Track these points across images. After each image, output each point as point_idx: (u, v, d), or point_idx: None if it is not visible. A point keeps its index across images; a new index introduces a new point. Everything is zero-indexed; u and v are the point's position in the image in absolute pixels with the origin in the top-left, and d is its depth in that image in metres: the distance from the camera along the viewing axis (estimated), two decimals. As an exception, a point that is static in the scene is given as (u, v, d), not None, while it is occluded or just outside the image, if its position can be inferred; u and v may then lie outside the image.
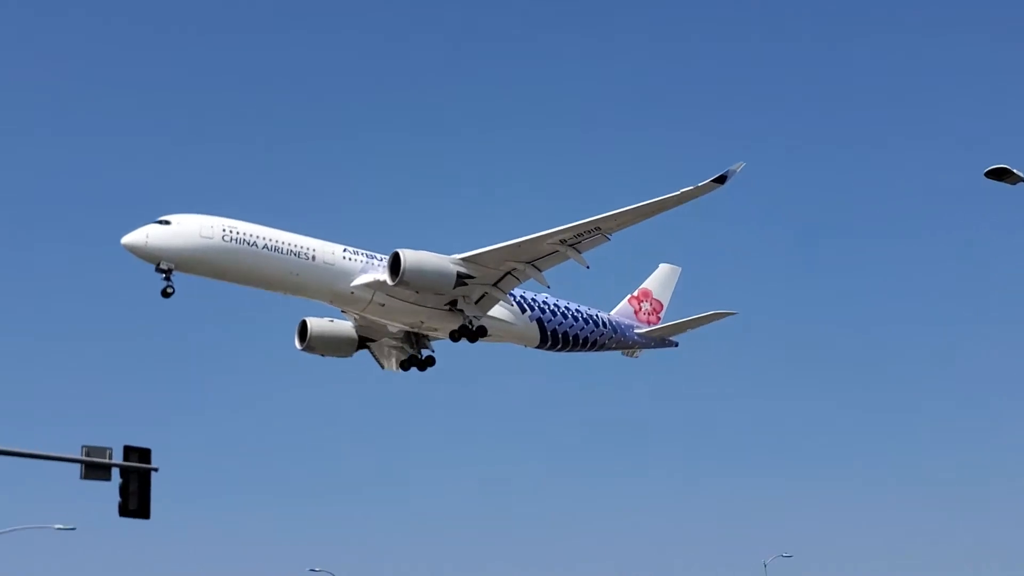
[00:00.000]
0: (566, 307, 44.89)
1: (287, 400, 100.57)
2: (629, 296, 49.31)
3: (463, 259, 39.26)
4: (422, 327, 41.83)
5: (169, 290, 36.69)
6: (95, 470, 27.12)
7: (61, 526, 50.10)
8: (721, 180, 36.76)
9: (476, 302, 40.96)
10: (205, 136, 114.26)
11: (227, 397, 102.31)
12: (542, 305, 44.19)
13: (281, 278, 38.25)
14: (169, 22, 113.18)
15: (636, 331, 47.57)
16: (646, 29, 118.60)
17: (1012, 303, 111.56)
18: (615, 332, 46.44)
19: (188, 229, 36.49)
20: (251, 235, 37.79)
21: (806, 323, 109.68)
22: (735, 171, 36.77)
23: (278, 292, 39.32)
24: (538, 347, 44.67)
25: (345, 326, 42.64)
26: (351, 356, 43.64)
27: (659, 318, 48.91)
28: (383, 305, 39.39)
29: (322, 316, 42.69)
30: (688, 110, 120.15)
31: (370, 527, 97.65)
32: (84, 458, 27.07)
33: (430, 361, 44.38)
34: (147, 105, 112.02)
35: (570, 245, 39.02)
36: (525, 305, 43.50)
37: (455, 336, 41.44)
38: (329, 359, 43.20)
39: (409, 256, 37.75)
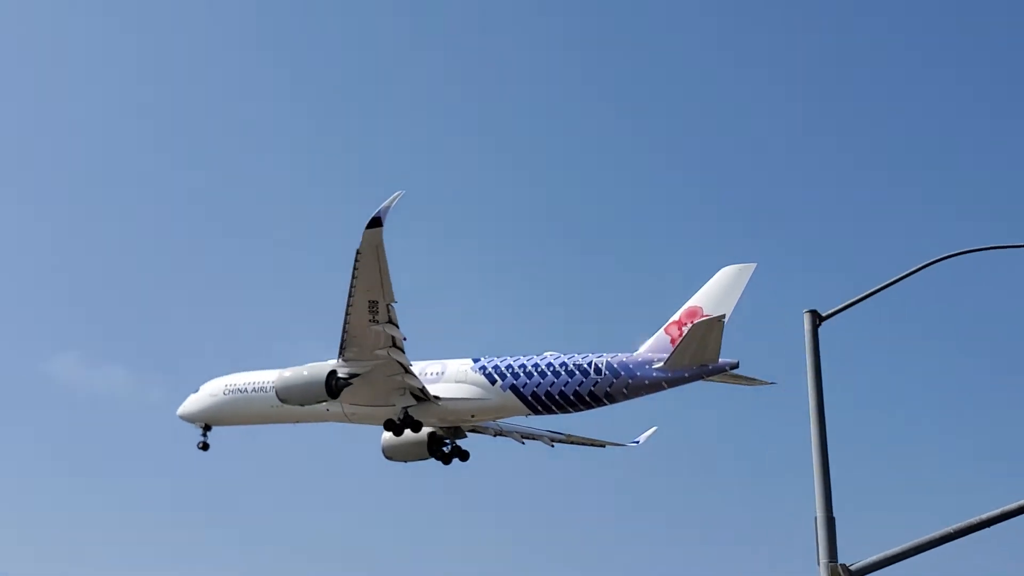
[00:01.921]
0: (546, 364, 39.56)
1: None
2: (668, 323, 39.32)
3: (342, 360, 38.19)
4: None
5: (203, 445, 42.29)
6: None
7: None
8: (378, 223, 33.75)
9: (407, 394, 39.54)
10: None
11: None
12: (514, 370, 39.87)
13: (276, 413, 40.34)
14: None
15: (655, 365, 38.15)
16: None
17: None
18: (619, 375, 38.46)
19: (202, 393, 41.81)
20: (244, 383, 41.54)
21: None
22: (389, 206, 33.88)
23: (288, 423, 41.52)
24: (531, 415, 40.82)
25: (416, 434, 41.50)
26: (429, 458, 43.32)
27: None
28: (354, 415, 40.23)
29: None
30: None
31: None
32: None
33: (456, 453, 43.63)
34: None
35: (373, 321, 36.25)
36: (495, 375, 39.82)
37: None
38: (412, 464, 43.46)
39: (278, 379, 39.22)
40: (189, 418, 42.24)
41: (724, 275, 38.98)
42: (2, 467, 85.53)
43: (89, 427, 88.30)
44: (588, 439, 44.02)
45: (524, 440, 44.00)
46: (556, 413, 40.03)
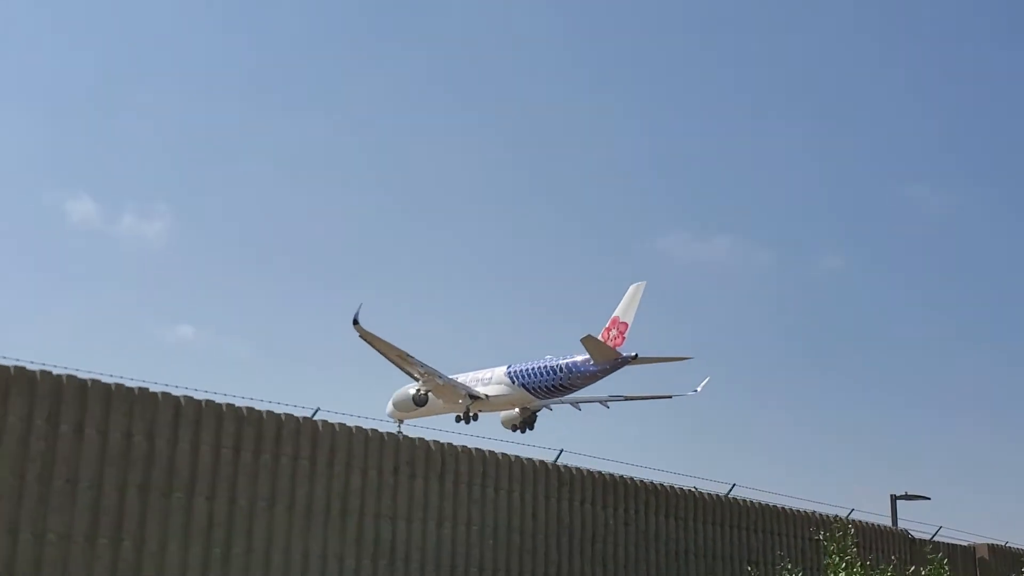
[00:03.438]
0: (539, 367, 51.19)
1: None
2: (602, 330, 50.02)
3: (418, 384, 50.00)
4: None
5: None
6: None
7: None
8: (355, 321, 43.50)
9: (466, 396, 50.69)
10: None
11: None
12: (521, 372, 51.36)
13: (418, 412, 50.02)
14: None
15: (590, 363, 48.61)
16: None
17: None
18: (571, 372, 49.59)
19: (399, 393, 50.45)
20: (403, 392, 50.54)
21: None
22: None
23: (433, 415, 50.92)
24: (535, 400, 52.04)
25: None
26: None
27: (624, 339, 49.45)
28: (447, 410, 51.23)
29: None
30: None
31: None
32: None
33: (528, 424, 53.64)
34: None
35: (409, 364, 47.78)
36: (514, 377, 51.17)
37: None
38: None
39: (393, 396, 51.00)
40: (392, 416, 51.26)
41: (630, 290, 50.88)
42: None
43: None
44: (650, 395, 53.36)
45: (579, 406, 53.37)
46: (547, 398, 51.88)
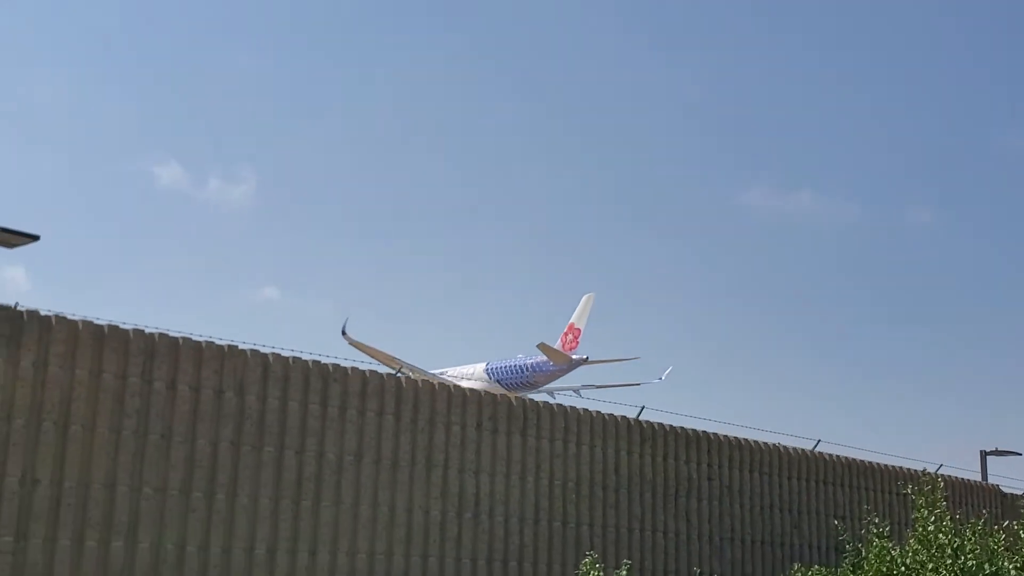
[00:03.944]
0: (510, 365, 55.98)
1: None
2: (561, 334, 56.71)
3: None
4: None
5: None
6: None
7: None
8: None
9: None
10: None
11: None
12: (496, 369, 56.39)
13: None
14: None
15: (550, 364, 54.50)
16: None
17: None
18: (535, 371, 55.03)
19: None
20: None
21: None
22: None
23: None
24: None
25: None
26: None
27: (578, 343, 55.64)
28: None
29: None
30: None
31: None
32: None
33: None
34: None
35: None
36: (490, 373, 55.87)
37: None
38: None
39: None
40: None
41: (583, 300, 57.67)
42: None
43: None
44: (619, 384, 56.18)
45: (554, 394, 56.40)
46: (517, 392, 57.26)
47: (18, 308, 9.54)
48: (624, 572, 10.90)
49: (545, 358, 55.14)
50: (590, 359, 55.20)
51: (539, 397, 56.53)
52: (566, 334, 57.88)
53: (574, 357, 55.31)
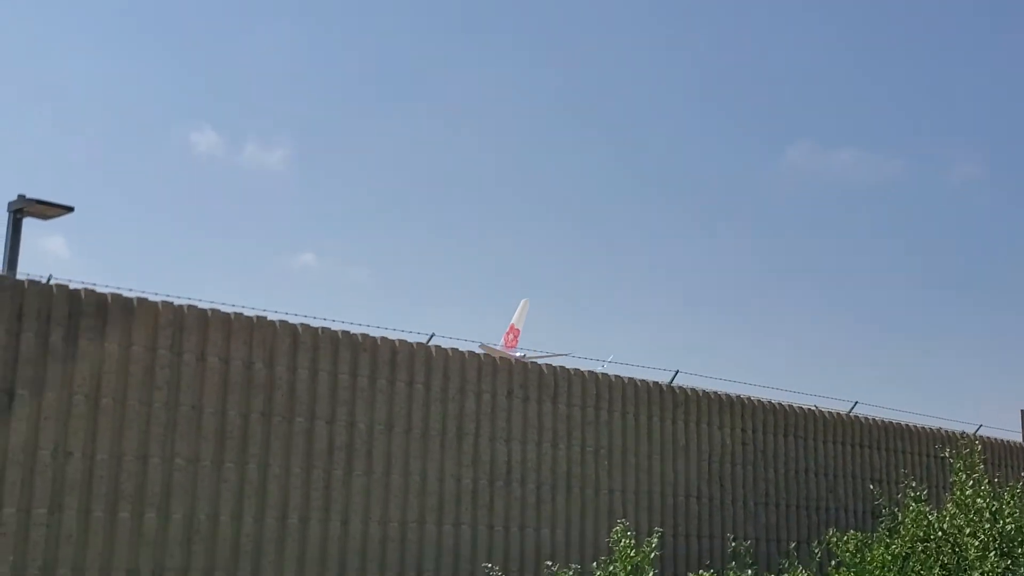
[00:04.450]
0: None
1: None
2: (503, 333, 59.16)
3: None
4: None
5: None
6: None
7: None
8: None
9: None
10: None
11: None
12: None
13: None
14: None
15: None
16: None
17: None
18: None
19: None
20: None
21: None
22: None
23: None
24: None
25: None
26: None
27: (517, 342, 57.84)
28: None
29: None
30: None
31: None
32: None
33: None
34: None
35: None
36: None
37: None
38: None
39: None
40: None
41: (521, 304, 60.87)
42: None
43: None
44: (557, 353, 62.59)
45: None
46: None
47: (50, 283, 9.60)
48: (656, 540, 10.87)
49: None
50: (527, 356, 56.63)
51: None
52: (508, 334, 59.54)
53: (515, 356, 55.83)
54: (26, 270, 15.20)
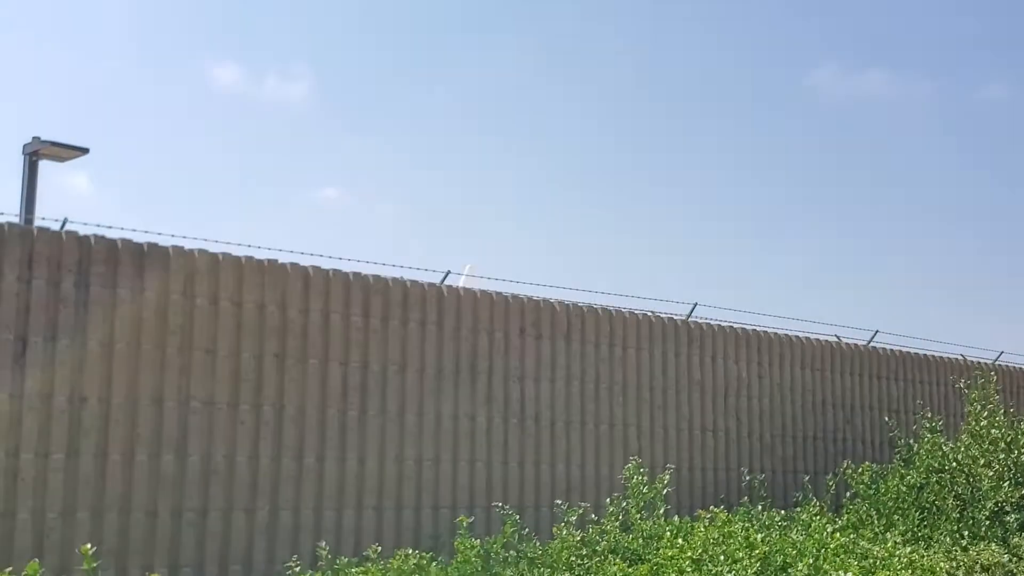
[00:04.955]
0: None
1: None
2: None
3: None
4: None
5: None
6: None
7: None
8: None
9: None
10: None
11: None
12: None
13: None
14: None
15: None
16: None
17: None
18: None
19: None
20: None
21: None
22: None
23: None
24: None
25: None
26: None
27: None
28: None
29: None
30: None
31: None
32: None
33: None
34: None
35: None
36: None
37: None
38: None
39: None
40: None
41: (467, 268, 66.55)
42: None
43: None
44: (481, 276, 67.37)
45: None
46: None
47: (62, 229, 9.65)
48: (667, 477, 10.97)
49: None
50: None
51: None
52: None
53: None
54: (46, 211, 15.30)
